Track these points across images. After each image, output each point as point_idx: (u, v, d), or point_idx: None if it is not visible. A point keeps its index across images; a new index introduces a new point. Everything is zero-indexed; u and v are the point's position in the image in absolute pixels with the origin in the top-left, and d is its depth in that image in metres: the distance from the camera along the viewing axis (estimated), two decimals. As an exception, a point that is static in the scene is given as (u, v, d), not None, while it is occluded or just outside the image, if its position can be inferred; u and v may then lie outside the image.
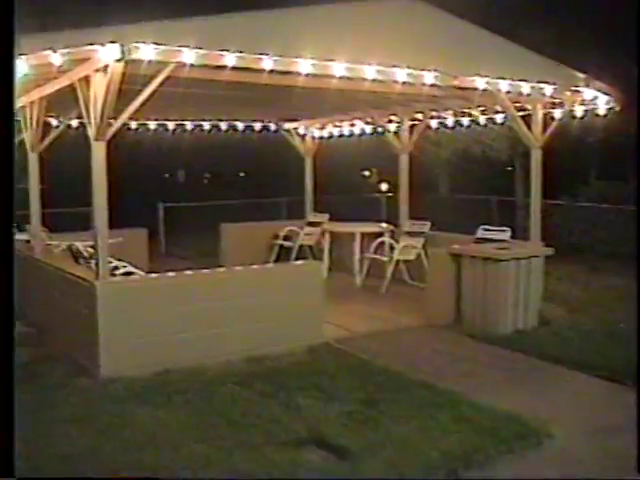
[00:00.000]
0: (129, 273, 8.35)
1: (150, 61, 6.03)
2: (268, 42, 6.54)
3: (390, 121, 12.42)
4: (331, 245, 12.58)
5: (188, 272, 7.50)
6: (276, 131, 14.38)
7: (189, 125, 13.53)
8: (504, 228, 9.82)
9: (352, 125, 13.90)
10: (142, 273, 8.37)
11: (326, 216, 13.60)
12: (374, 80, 7.24)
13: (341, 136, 14.42)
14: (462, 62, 7.86)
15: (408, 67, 7.34)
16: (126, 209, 19.59)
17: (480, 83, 8.03)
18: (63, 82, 7.19)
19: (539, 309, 8.77)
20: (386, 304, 10.00)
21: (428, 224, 11.24)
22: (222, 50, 6.28)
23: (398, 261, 11.02)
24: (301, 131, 14.28)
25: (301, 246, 13.25)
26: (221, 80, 6.91)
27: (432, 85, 7.79)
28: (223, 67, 6.40)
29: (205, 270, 7.57)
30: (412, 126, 12.08)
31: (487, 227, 10.01)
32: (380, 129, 12.50)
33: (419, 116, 11.65)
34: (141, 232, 12.92)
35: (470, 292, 8.55)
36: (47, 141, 9.11)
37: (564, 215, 15.09)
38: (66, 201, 14.59)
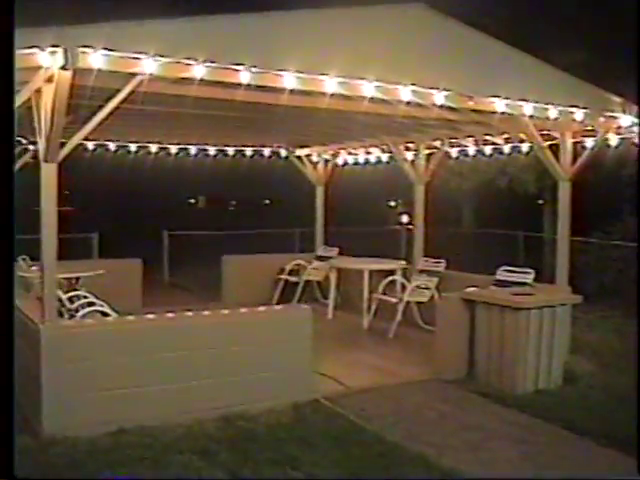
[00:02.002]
0: (105, 314, 7.44)
1: (100, 70, 5.11)
2: (245, 51, 5.60)
3: (407, 149, 11.46)
4: (339, 282, 11.57)
5: (150, 316, 6.53)
6: (287, 157, 13.48)
7: (193, 149, 12.70)
8: (527, 270, 8.73)
9: (368, 153, 12.96)
10: (112, 313, 7.40)
11: (335, 250, 12.60)
12: (372, 99, 6.25)
13: (356, 164, 13.47)
14: (478, 80, 6.88)
15: (413, 84, 6.34)
16: (135, 236, 18.99)
17: (500, 105, 7.02)
18: (24, 95, 6.33)
19: (565, 364, 7.65)
20: (392, 352, 8.93)
21: (443, 262, 10.18)
22: (189, 58, 5.35)
23: (409, 302, 9.95)
24: (314, 158, 13.38)
25: (308, 282, 12.26)
26: (224, 99, 6.10)
27: (443, 107, 6.81)
28: (190, 80, 5.48)
29: (171, 314, 6.58)
30: (430, 154, 11.09)
31: (508, 268, 8.92)
32: (396, 157, 11.48)
33: (437, 144, 10.65)
34: (135, 262, 12.00)
35: (485, 343, 7.47)
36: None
37: (595, 254, 13.83)
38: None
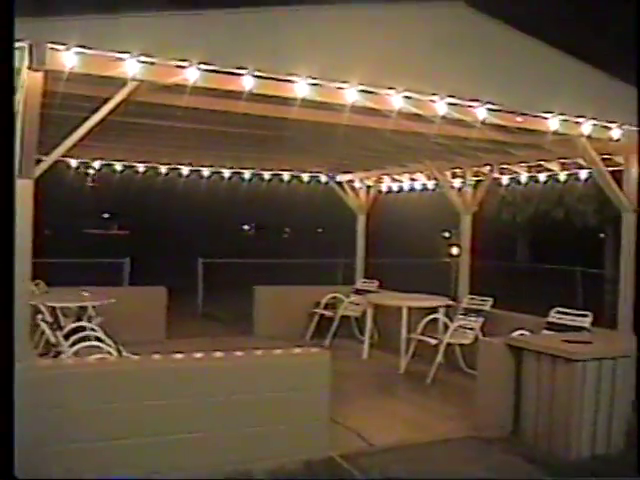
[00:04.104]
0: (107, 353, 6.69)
1: (76, 72, 4.39)
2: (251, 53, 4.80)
3: (454, 175, 10.54)
4: (376, 319, 10.63)
5: (136, 357, 5.76)
6: (327, 183, 12.68)
7: (227, 173, 12.00)
8: (584, 312, 7.67)
9: (412, 179, 12.06)
10: (112, 350, 6.63)
11: (375, 283, 11.68)
12: (402, 113, 5.38)
13: (400, 191, 12.56)
14: (527, 93, 5.94)
15: (451, 96, 5.45)
16: (176, 264, 18.44)
17: (553, 123, 6.07)
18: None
19: (628, 424, 6.53)
20: (428, 401, 7.93)
21: (490, 301, 9.15)
22: (182, 60, 4.58)
23: (451, 344, 8.94)
24: (356, 185, 12.55)
25: (346, 317, 11.35)
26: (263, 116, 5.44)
27: (486, 124, 5.90)
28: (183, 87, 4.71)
29: (176, 355, 5.72)
30: (478, 182, 10.14)
31: (562, 310, 7.88)
32: (441, 184, 10.54)
33: (485, 170, 9.70)
34: (159, 290, 11.27)
35: (533, 398, 6.44)
36: None
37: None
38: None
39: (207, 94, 5.33)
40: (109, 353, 6.50)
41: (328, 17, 5.19)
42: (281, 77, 4.89)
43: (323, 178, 12.55)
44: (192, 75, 4.60)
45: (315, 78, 4.94)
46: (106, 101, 4.96)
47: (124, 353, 7.34)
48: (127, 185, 12.94)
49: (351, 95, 5.11)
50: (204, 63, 4.60)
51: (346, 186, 12.49)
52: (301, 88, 4.93)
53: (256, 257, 17.46)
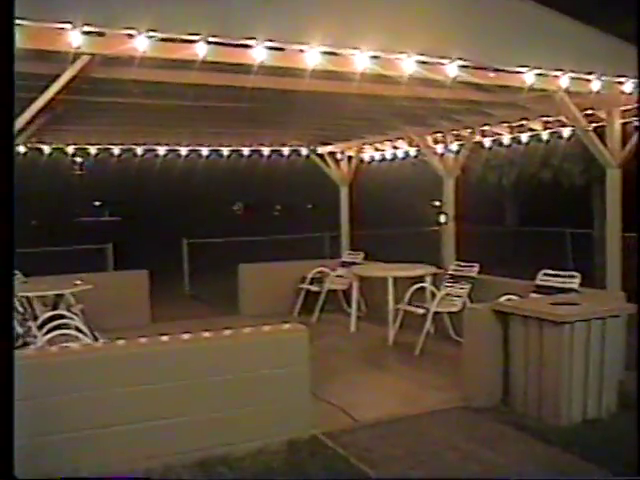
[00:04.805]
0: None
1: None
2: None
3: (436, 141, 10.29)
4: (363, 291, 10.44)
5: (102, 342, 5.52)
6: (307, 156, 12.41)
7: (205, 151, 11.70)
8: (572, 273, 7.48)
9: (395, 147, 11.80)
10: (85, 338, 6.41)
11: (360, 255, 11.47)
12: (365, 74, 5.12)
13: (382, 160, 12.31)
14: (500, 47, 5.68)
15: (419, 54, 5.18)
16: (164, 246, 18.20)
17: (529, 77, 5.81)
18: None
19: (619, 385, 6.36)
20: (416, 372, 7.74)
21: (476, 267, 8.94)
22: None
23: (438, 313, 8.74)
24: (338, 156, 12.29)
25: (332, 291, 11.14)
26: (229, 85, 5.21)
27: (460, 82, 5.64)
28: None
29: (143, 339, 5.50)
30: (461, 146, 9.89)
31: (550, 272, 7.69)
32: (422, 150, 10.29)
33: (466, 133, 9.44)
34: (141, 274, 11.02)
35: (522, 364, 6.25)
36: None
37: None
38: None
39: (171, 66, 5.09)
40: (81, 340, 6.28)
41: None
42: (237, 42, 4.60)
43: (304, 151, 12.29)
44: (141, 44, 4.32)
45: (273, 41, 4.66)
46: (55, 78, 4.70)
47: (100, 340, 7.15)
48: (104, 169, 12.66)
49: (313, 58, 4.83)
50: (152, 30, 4.31)
51: (327, 158, 12.24)
52: (260, 53, 4.66)
53: (245, 236, 17.18)
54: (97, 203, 48.26)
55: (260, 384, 5.48)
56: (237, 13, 4.57)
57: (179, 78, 5.29)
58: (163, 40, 4.39)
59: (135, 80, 5.18)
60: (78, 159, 11.81)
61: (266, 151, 12.12)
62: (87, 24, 4.15)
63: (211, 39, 4.44)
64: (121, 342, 5.33)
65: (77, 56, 4.53)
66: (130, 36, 4.32)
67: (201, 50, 4.45)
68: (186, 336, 5.46)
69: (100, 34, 4.31)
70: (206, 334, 5.52)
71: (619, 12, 10.35)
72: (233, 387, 5.40)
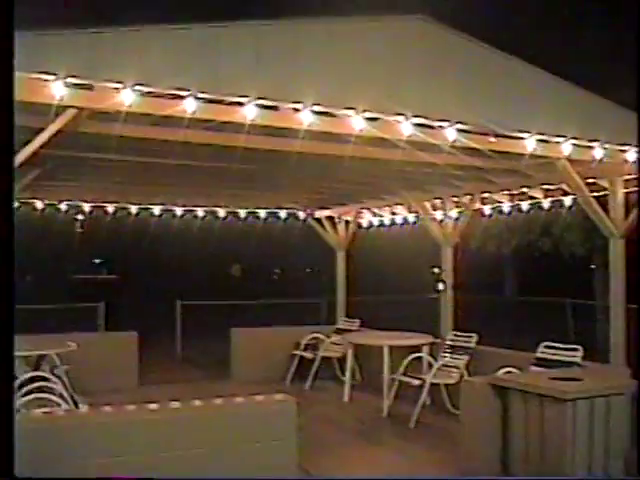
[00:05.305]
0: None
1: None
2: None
3: (435, 207, 10.14)
4: (358, 359, 10.14)
5: (82, 411, 5.18)
6: (305, 220, 12.27)
7: (200, 212, 11.56)
8: (574, 346, 7.21)
9: (393, 213, 11.66)
10: (63, 403, 6.10)
11: (356, 322, 11.19)
12: (361, 136, 4.95)
13: (381, 225, 12.15)
14: (501, 113, 5.53)
15: (417, 116, 5.03)
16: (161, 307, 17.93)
17: (530, 143, 5.66)
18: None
19: (624, 464, 6.00)
20: (410, 446, 7.37)
21: (475, 337, 8.66)
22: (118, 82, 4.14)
23: (434, 384, 8.42)
24: (335, 220, 12.14)
25: (327, 358, 10.81)
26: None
27: (459, 148, 5.49)
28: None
29: (107, 407, 5.17)
30: (460, 213, 9.73)
31: (551, 344, 7.41)
32: (421, 216, 10.12)
33: (466, 199, 9.28)
34: (130, 336, 10.72)
35: (521, 442, 5.92)
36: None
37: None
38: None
39: (161, 123, 4.95)
40: (59, 405, 5.97)
41: (280, 31, 4.77)
42: (228, 100, 4.45)
43: (301, 215, 12.16)
44: (127, 98, 4.16)
45: (265, 99, 4.51)
46: (39, 132, 4.54)
47: (80, 405, 6.83)
48: (98, 226, 12.50)
49: (307, 118, 4.67)
50: (139, 84, 4.16)
51: (324, 222, 12.08)
52: (251, 111, 4.50)
53: (242, 299, 16.94)
54: (97, 261, 48.09)
55: (242, 459, 5.14)
56: (228, 69, 4.44)
57: (168, 135, 5.13)
58: (150, 94, 4.23)
59: (123, 136, 5.01)
60: (80, 216, 11.67)
61: (262, 213, 11.99)
62: (71, 76, 3.99)
63: (200, 95, 4.28)
64: (84, 409, 5.02)
65: (61, 109, 4.38)
66: (116, 89, 4.17)
67: (190, 106, 4.29)
68: (154, 406, 5.13)
69: (85, 86, 4.16)
70: (176, 404, 5.20)
71: (621, 80, 10.35)
72: (212, 460, 5.06)
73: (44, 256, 27.34)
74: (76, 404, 6.76)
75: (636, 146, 6.05)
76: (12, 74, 3.07)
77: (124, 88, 4.12)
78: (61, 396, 6.44)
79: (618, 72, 11.01)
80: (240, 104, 4.48)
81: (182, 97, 4.30)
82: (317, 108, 4.65)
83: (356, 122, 4.84)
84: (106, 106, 4.26)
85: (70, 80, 4.01)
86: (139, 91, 4.15)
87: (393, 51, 5.07)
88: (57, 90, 4.01)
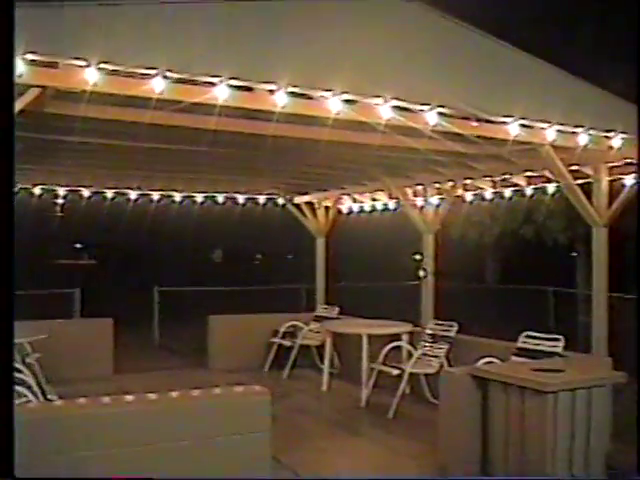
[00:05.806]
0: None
1: None
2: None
3: (416, 194, 9.98)
4: (337, 348, 9.99)
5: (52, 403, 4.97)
6: (284, 205, 12.07)
7: (177, 197, 11.32)
8: (556, 336, 7.09)
9: (374, 199, 11.48)
10: (30, 395, 5.89)
11: (335, 310, 11.03)
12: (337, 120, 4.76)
13: (361, 212, 11.97)
14: (484, 97, 5.35)
15: (397, 99, 4.85)
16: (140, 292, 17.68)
17: (513, 128, 5.50)
18: None
19: (606, 457, 5.90)
20: (388, 437, 7.24)
21: (456, 326, 8.53)
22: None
23: (414, 374, 8.29)
24: (315, 206, 11.95)
25: (305, 346, 10.66)
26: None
27: (439, 131, 5.32)
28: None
29: (81, 400, 4.98)
30: (442, 199, 9.57)
31: (532, 334, 7.30)
32: (402, 202, 9.95)
33: (447, 186, 9.13)
34: (105, 322, 10.50)
35: (501, 434, 5.79)
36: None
37: (640, 314, 11.97)
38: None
39: (130, 104, 4.74)
40: (26, 396, 5.77)
41: (255, 8, 4.54)
42: (199, 79, 4.24)
43: (280, 200, 11.96)
44: (92, 76, 3.94)
45: (235, 78, 4.30)
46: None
47: (50, 396, 6.64)
48: (79, 211, 12.21)
49: (281, 99, 4.47)
50: (104, 62, 3.93)
51: (304, 208, 11.89)
52: (222, 92, 4.29)
53: (223, 285, 16.72)
54: (78, 245, 47.58)
55: (215, 451, 4.97)
56: (199, 48, 4.23)
57: (136, 117, 4.90)
58: (116, 73, 4.01)
59: (89, 117, 4.78)
60: (59, 200, 11.41)
61: (241, 199, 11.77)
62: (30, 52, 3.76)
63: (169, 74, 4.07)
64: (56, 401, 4.83)
65: (25, 88, 4.15)
66: (81, 67, 3.94)
67: (158, 85, 4.08)
68: (129, 397, 4.95)
69: (48, 64, 3.93)
70: (153, 396, 5.02)
71: (611, 68, 10.24)
72: (185, 454, 4.89)
73: (22, 240, 26.84)
74: (45, 395, 6.56)
75: (622, 132, 5.90)
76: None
77: (88, 66, 3.90)
78: (29, 388, 6.22)
79: (615, 64, 10.90)
80: (212, 84, 4.28)
81: (150, 76, 4.09)
82: (292, 89, 4.46)
83: (333, 104, 4.65)
84: (70, 85, 4.03)
85: (29, 56, 3.77)
86: (104, 69, 3.93)
87: (374, 33, 4.86)
88: (17, 67, 3.77)
